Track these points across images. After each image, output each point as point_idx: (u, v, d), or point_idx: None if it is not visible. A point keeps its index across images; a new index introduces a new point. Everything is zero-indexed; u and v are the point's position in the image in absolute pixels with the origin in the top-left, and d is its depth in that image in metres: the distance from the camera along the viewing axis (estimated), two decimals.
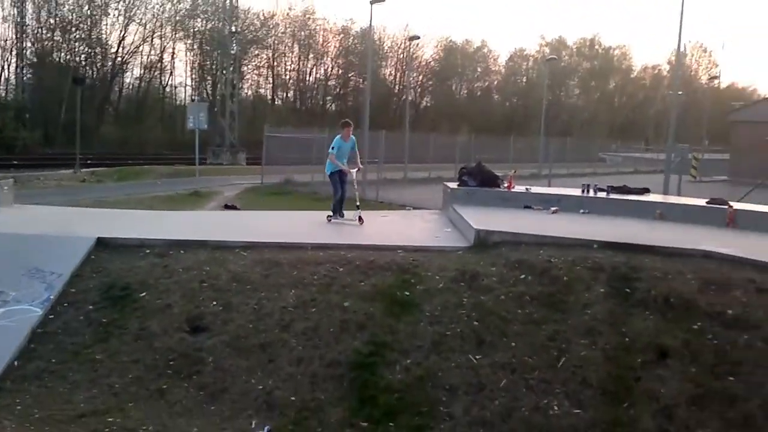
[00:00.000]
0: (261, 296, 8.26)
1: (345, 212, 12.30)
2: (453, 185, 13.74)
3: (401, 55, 68.29)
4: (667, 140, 32.87)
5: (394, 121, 48.38)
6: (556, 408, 6.87)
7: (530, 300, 8.14)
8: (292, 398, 7.06)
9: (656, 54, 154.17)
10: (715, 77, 79.91)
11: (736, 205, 12.83)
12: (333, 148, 12.03)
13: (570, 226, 10.87)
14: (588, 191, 13.74)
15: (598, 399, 6.96)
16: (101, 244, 9.41)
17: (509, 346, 7.53)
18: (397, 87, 69.10)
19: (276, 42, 63.26)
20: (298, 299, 8.18)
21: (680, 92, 38.23)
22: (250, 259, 9.07)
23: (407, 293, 8.27)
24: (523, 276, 8.53)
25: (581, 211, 12.76)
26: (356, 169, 12.48)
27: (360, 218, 11.90)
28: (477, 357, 7.41)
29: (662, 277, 8.32)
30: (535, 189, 14.42)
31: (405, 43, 63.97)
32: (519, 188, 13.84)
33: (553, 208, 12.67)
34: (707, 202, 13.06)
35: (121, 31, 53.79)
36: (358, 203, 12.18)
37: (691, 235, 10.71)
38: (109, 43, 54.08)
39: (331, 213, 12.28)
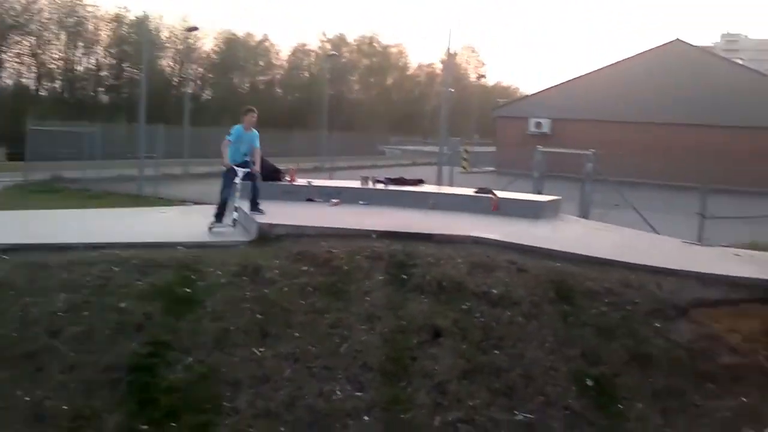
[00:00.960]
0: (26, 302, 7.62)
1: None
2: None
3: (180, 47, 66.14)
4: (440, 134, 34.89)
5: (174, 114, 46.53)
6: (338, 392, 7.05)
7: (313, 290, 8.27)
8: (64, 407, 6.62)
9: (430, 53, 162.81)
10: (483, 76, 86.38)
11: (500, 194, 13.94)
12: (231, 135, 10.92)
13: (350, 218, 11.20)
14: (367, 183, 14.24)
15: (377, 380, 7.24)
16: None
17: (293, 336, 7.62)
18: (176, 79, 66.77)
19: (40, 29, 58.55)
20: (68, 303, 7.66)
21: (451, 89, 40.63)
22: (12, 263, 8.34)
23: (188, 290, 8.06)
24: (305, 267, 8.65)
25: (360, 202, 13.18)
26: (248, 171, 10.93)
27: (234, 222, 10.68)
28: (261, 350, 7.42)
29: (435, 263, 8.82)
30: (317, 182, 14.65)
31: (183, 33, 62.07)
32: (301, 181, 14.00)
33: (334, 201, 12.96)
34: (475, 192, 14.06)
35: None
36: (236, 205, 10.84)
37: (461, 223, 11.51)
38: None
39: (213, 219, 10.66)
